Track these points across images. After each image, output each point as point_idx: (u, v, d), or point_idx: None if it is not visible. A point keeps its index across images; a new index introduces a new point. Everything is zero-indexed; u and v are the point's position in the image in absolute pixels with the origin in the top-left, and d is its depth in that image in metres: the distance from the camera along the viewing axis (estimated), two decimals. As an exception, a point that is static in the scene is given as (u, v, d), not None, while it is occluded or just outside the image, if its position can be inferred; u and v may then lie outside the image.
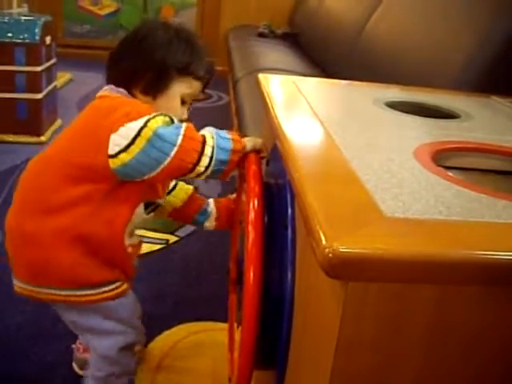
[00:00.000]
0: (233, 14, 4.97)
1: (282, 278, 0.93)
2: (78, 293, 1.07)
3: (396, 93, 1.37)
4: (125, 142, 0.98)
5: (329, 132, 0.97)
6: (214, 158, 1.01)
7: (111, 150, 0.99)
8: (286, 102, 1.23)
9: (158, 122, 0.99)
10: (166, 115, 1.03)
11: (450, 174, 0.83)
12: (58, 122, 3.25)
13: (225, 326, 1.30)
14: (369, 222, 0.63)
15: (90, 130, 1.04)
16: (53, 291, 1.07)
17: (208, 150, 1.00)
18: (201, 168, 1.01)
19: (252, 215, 0.94)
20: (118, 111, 1.01)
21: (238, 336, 1.10)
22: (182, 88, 1.12)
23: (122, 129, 0.98)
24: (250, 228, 0.93)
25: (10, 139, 2.93)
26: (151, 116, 1.00)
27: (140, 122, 0.98)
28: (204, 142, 1.00)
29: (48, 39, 2.96)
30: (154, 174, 1.00)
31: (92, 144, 1.02)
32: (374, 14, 2.61)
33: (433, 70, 1.82)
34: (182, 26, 1.18)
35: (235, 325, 1.24)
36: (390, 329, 0.61)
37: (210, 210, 1.27)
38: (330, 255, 0.56)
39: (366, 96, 1.31)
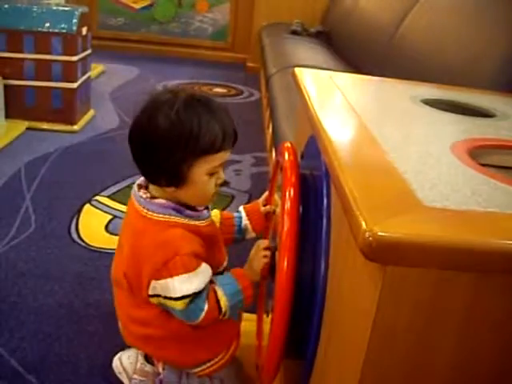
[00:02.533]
0: (266, 11, 4.98)
1: (314, 268, 0.94)
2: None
3: (432, 91, 1.37)
4: (162, 294, 1.02)
5: (366, 125, 0.98)
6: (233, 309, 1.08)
7: (151, 291, 1.03)
8: (323, 95, 1.24)
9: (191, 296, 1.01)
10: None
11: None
12: (91, 112, 3.30)
13: (250, 316, 1.31)
14: (408, 210, 0.64)
15: (135, 261, 1.05)
16: None
17: (225, 312, 1.06)
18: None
19: (288, 204, 0.95)
20: (157, 256, 1.01)
21: (266, 325, 1.12)
22: (204, 168, 1.03)
23: (161, 281, 1.01)
24: (286, 217, 0.94)
25: (45, 127, 2.98)
26: (186, 292, 1.00)
27: (175, 291, 1.00)
28: (221, 312, 1.05)
29: (84, 30, 3.01)
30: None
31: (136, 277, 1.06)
32: (409, 14, 2.60)
33: (469, 70, 1.81)
34: (189, 94, 1.04)
35: (264, 314, 1.26)
36: (426, 315, 0.62)
37: (243, 223, 1.24)
38: (370, 239, 0.58)
39: (403, 93, 1.32)
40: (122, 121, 3.31)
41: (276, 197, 1.23)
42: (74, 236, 1.98)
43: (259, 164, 2.79)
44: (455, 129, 1.06)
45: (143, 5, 5.32)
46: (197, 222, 1.06)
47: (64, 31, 2.84)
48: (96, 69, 4.11)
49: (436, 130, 1.06)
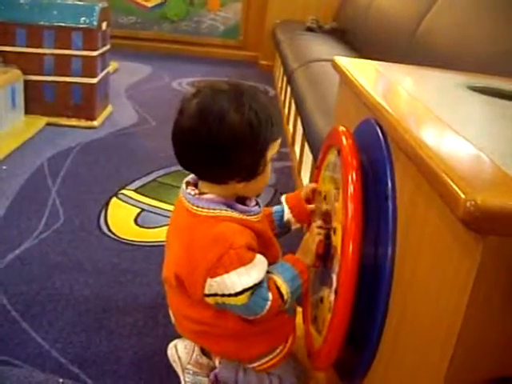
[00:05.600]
0: (279, 8, 4.97)
1: (377, 252, 0.93)
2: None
3: (473, 79, 1.35)
4: (219, 292, 0.99)
5: (427, 106, 0.97)
6: (294, 295, 1.06)
7: (207, 290, 1.00)
8: (373, 81, 1.23)
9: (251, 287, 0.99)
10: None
11: None
12: (109, 108, 3.29)
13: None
14: (500, 182, 0.63)
15: (187, 261, 1.02)
16: None
17: (287, 299, 1.04)
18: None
19: (351, 188, 0.94)
20: (211, 252, 0.98)
21: (321, 312, 1.10)
22: (270, 156, 1.04)
23: (217, 279, 0.97)
24: (350, 202, 0.93)
25: (64, 122, 2.96)
26: (246, 285, 0.97)
27: (234, 286, 0.97)
28: (283, 299, 1.03)
29: (104, 25, 3.00)
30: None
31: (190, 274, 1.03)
32: (432, 9, 2.58)
33: (500, 64, 1.80)
34: (242, 90, 1.02)
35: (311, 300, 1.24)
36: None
37: (286, 217, 1.21)
38: (472, 208, 0.57)
39: (447, 80, 1.30)
40: (140, 117, 3.31)
41: (327, 180, 1.22)
42: (104, 229, 1.97)
43: (281, 159, 2.78)
44: (510, 112, 1.05)
45: (155, 3, 5.31)
46: (249, 217, 1.04)
47: (85, 26, 2.83)
48: (111, 66, 4.10)
49: (493, 112, 1.05)
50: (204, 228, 1.00)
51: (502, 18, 1.94)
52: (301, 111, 2.21)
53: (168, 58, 5.11)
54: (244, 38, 5.43)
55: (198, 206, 1.02)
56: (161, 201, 2.23)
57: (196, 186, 1.07)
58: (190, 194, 1.04)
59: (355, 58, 1.62)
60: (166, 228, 1.94)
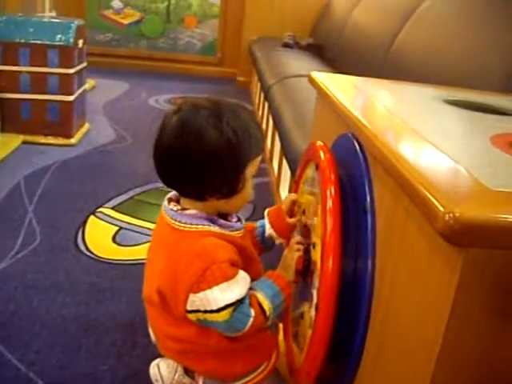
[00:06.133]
0: (256, 25, 5.00)
1: (356, 265, 0.93)
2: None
3: (449, 92, 1.37)
4: (202, 308, 0.97)
5: (404, 120, 0.98)
6: (276, 311, 1.04)
7: (189, 306, 0.97)
8: (350, 96, 1.24)
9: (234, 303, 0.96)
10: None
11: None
12: (86, 126, 3.27)
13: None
14: (478, 194, 0.64)
15: (170, 276, 1.00)
16: None
17: (269, 315, 1.01)
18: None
19: (330, 203, 0.94)
20: (194, 267, 0.95)
21: (302, 328, 1.10)
22: (251, 172, 1.02)
23: (200, 294, 0.95)
24: (328, 216, 0.93)
25: (41, 140, 2.94)
26: (229, 301, 0.95)
27: (217, 302, 0.95)
28: (265, 316, 1.01)
29: (80, 42, 2.99)
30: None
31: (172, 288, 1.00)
32: (406, 24, 2.62)
33: (476, 77, 1.82)
34: (220, 105, 1.00)
35: (293, 316, 1.23)
36: (506, 297, 0.60)
37: (267, 232, 1.19)
38: (452, 221, 0.57)
39: (423, 94, 1.32)
40: (117, 134, 3.29)
41: (305, 195, 1.21)
42: (82, 248, 1.94)
43: (260, 175, 2.76)
44: (486, 124, 1.06)
45: (131, 20, 5.32)
46: (231, 233, 1.03)
47: (61, 43, 2.82)
48: (87, 83, 4.09)
49: (467, 125, 1.06)
50: (187, 243, 0.99)
51: (475, 34, 1.97)
52: (278, 127, 2.22)
53: (145, 75, 5.10)
54: (221, 54, 5.45)
55: (180, 222, 1.01)
56: (139, 218, 2.21)
57: (178, 202, 1.06)
58: (172, 209, 1.03)
59: (331, 73, 1.64)
60: (144, 246, 1.96)
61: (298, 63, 3.45)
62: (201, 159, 0.96)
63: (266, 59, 3.65)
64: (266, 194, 2.57)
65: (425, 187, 0.63)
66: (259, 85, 3.64)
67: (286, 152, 1.97)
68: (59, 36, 2.82)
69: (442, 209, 0.58)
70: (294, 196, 1.23)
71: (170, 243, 1.02)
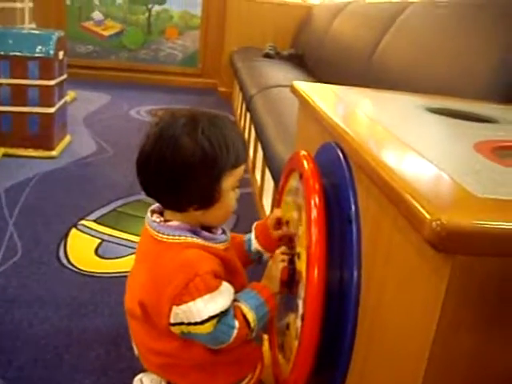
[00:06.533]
0: (237, 36, 5.01)
1: (342, 275, 0.92)
2: None
3: (431, 101, 1.37)
4: (185, 321, 0.95)
5: (387, 128, 0.97)
6: (260, 323, 1.03)
7: (172, 319, 0.96)
8: (333, 105, 1.24)
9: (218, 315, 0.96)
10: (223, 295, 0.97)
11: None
12: (68, 138, 3.25)
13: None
14: (464, 201, 0.63)
15: (152, 289, 0.99)
16: None
17: (254, 327, 1.00)
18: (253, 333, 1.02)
19: (314, 213, 0.93)
20: (177, 279, 0.94)
21: (288, 339, 1.09)
22: (230, 183, 1.00)
23: (183, 306, 0.94)
24: (313, 226, 0.92)
25: (22, 153, 2.91)
26: (212, 313, 0.94)
27: (201, 314, 0.94)
28: (250, 327, 1.00)
29: (61, 54, 2.97)
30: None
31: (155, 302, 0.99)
32: (385, 35, 2.63)
33: (457, 84, 1.83)
34: (197, 116, 0.99)
35: (277, 327, 1.23)
36: (493, 305, 0.60)
37: (253, 247, 1.18)
38: (439, 228, 0.56)
39: (406, 102, 1.32)
40: (99, 146, 3.27)
41: (289, 205, 1.21)
42: (64, 261, 1.92)
43: (243, 185, 2.76)
44: (469, 132, 1.07)
45: (112, 32, 5.30)
46: (214, 245, 1.02)
47: (41, 55, 2.80)
48: (68, 95, 4.06)
49: (451, 133, 1.06)
50: (169, 255, 0.98)
51: (455, 43, 1.98)
52: (261, 137, 2.21)
53: (126, 86, 5.09)
54: (203, 65, 5.45)
55: (163, 233, 1.00)
56: (121, 231, 2.19)
57: (161, 214, 1.05)
58: (154, 221, 1.02)
59: (313, 82, 1.65)
60: (127, 258, 1.94)
61: (279, 73, 3.46)
62: (175, 168, 0.96)
63: (247, 69, 3.65)
64: (249, 205, 2.56)
65: (411, 195, 0.63)
66: (241, 95, 3.64)
67: (268, 162, 1.97)
68: (39, 47, 2.80)
69: (428, 216, 0.58)
70: (278, 212, 1.22)
71: (152, 255, 1.01)
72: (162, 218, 1.03)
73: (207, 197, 0.99)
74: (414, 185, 0.66)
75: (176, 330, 0.97)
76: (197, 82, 5.41)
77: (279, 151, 1.83)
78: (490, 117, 1.25)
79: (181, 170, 0.95)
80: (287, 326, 1.10)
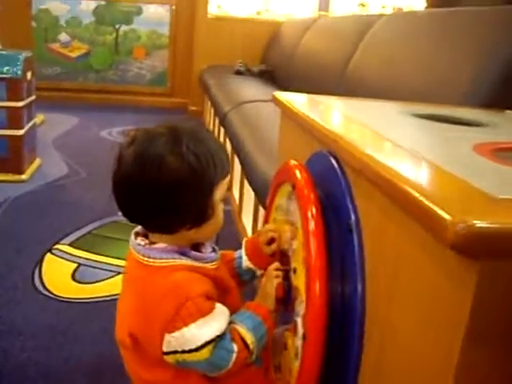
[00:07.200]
0: (205, 54, 4.98)
1: (343, 288, 0.87)
2: None
3: (414, 107, 1.34)
4: (179, 349, 0.89)
5: (382, 134, 0.94)
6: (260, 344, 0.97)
7: (165, 348, 0.90)
8: (320, 114, 1.20)
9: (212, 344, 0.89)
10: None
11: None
12: (38, 161, 3.16)
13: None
14: (485, 202, 0.60)
15: (141, 317, 0.93)
16: None
17: (253, 349, 0.95)
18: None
19: (312, 224, 0.88)
20: (167, 304, 0.89)
21: (285, 359, 1.04)
22: (219, 196, 0.96)
23: (176, 334, 0.88)
24: (311, 237, 0.88)
25: (-10, 178, 2.82)
26: (208, 338, 0.88)
27: (195, 340, 0.88)
28: (249, 350, 0.94)
29: (29, 75, 2.90)
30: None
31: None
32: (358, 48, 2.62)
33: (434, 93, 1.82)
34: (177, 133, 0.93)
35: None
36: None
37: (244, 264, 1.11)
38: (464, 231, 0.52)
39: (390, 109, 1.29)
40: (71, 168, 3.19)
41: (278, 219, 1.16)
42: (40, 287, 1.84)
43: (220, 202, 2.71)
44: (463, 135, 1.04)
45: (79, 53, 5.23)
46: (204, 265, 0.96)
47: (9, 76, 2.72)
48: (36, 118, 3.98)
49: (446, 136, 1.02)
50: (157, 279, 0.91)
51: (430, 51, 1.97)
52: (238, 152, 2.17)
53: (95, 108, 5.01)
54: (172, 84, 5.41)
55: (149, 257, 0.93)
56: (98, 254, 2.11)
57: (146, 236, 0.98)
58: (139, 244, 0.96)
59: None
60: (106, 282, 1.87)
61: (251, 89, 3.43)
62: (164, 190, 0.89)
63: (218, 87, 3.62)
64: (228, 223, 2.49)
65: (428, 198, 0.59)
66: (213, 112, 3.60)
67: (248, 176, 1.92)
68: (7, 68, 2.71)
69: (451, 219, 0.53)
70: (271, 226, 1.16)
71: (139, 280, 0.94)
72: (146, 241, 0.97)
73: (201, 214, 0.93)
74: (429, 188, 0.62)
75: (170, 359, 0.91)
76: (166, 102, 5.36)
77: (259, 165, 1.79)
78: (477, 121, 1.22)
79: (171, 191, 0.89)
80: (285, 346, 1.04)
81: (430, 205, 0.57)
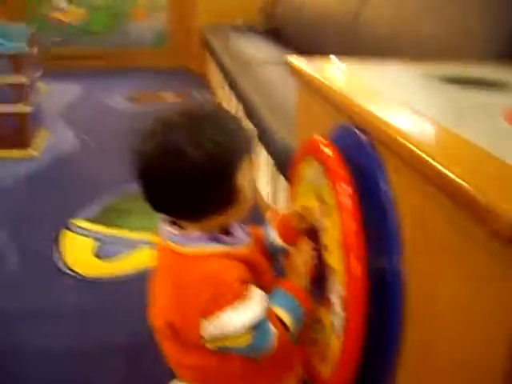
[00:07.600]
0: (205, 13, 4.86)
1: (382, 268, 0.86)
2: None
3: (439, 69, 1.31)
4: (219, 334, 0.90)
5: (411, 106, 0.91)
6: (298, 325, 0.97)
7: (205, 334, 0.90)
8: (345, 83, 1.16)
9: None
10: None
11: None
12: (46, 135, 3.15)
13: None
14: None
15: (178, 306, 0.93)
16: None
17: (293, 330, 0.96)
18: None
19: (346, 201, 0.87)
20: (203, 292, 0.89)
21: (322, 336, 1.03)
22: (245, 174, 0.94)
23: (214, 319, 0.88)
24: (346, 215, 0.86)
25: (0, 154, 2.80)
26: (247, 321, 0.89)
27: (234, 324, 0.88)
28: (289, 331, 0.95)
29: (35, 50, 2.85)
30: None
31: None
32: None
33: (448, 48, 1.77)
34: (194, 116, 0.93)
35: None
36: None
37: (276, 240, 1.10)
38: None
39: (413, 72, 1.25)
40: (79, 139, 3.17)
41: (305, 195, 1.14)
42: (62, 266, 1.83)
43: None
44: (491, 102, 1.00)
45: (77, 18, 5.14)
46: (237, 249, 0.96)
47: (14, 51, 2.67)
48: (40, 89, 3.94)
49: (471, 104, 0.99)
50: (192, 267, 0.91)
51: (447, 3, 1.91)
52: (252, 118, 2.14)
53: (96, 73, 4.93)
54: (172, 45, 5.32)
55: (184, 245, 0.93)
56: (116, 227, 2.10)
57: (175, 223, 0.98)
58: (171, 233, 0.95)
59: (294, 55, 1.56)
60: (128, 257, 1.85)
61: (259, 50, 3.38)
62: (187, 181, 0.90)
63: (224, 49, 3.56)
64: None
65: (475, 186, 0.57)
66: (221, 74, 3.53)
67: (264, 142, 1.89)
68: (12, 44, 2.67)
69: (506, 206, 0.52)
70: (297, 206, 1.15)
71: (173, 269, 0.95)
72: (180, 230, 0.96)
73: (226, 199, 0.93)
74: (478, 175, 0.60)
75: (211, 345, 0.91)
76: (167, 62, 5.27)
77: (276, 128, 1.77)
78: (502, 82, 1.19)
79: (194, 181, 0.89)
80: (318, 321, 1.04)
81: (480, 193, 0.55)
